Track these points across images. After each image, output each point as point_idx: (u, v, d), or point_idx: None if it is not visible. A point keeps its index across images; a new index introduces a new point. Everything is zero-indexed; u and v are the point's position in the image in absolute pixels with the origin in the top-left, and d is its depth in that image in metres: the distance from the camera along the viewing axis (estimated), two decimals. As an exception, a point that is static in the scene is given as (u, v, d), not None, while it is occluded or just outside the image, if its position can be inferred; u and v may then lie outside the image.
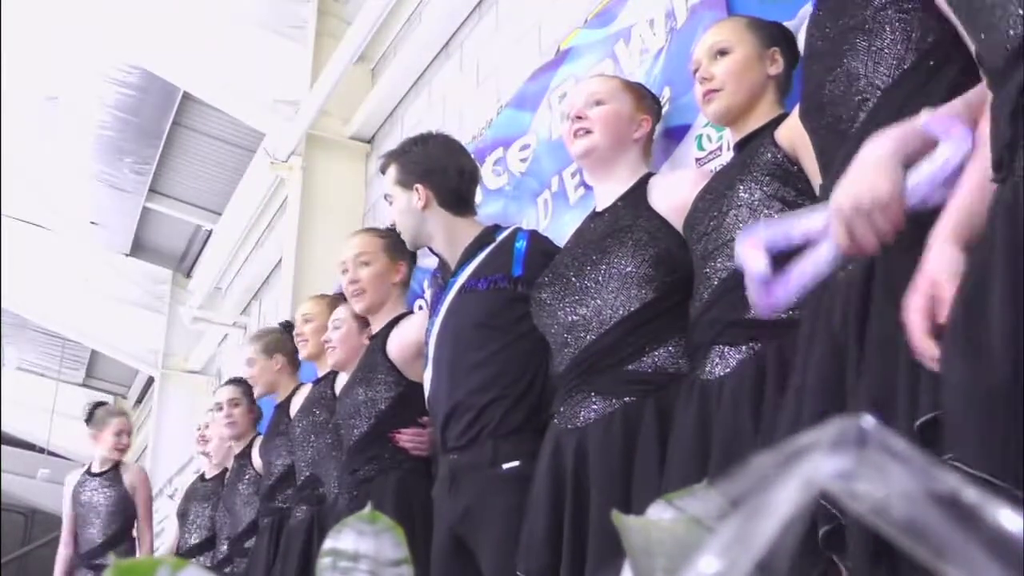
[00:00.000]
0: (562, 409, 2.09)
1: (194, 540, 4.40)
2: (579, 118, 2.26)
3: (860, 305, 1.40)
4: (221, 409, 4.21)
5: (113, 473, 4.91)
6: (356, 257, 2.94)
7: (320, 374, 3.51)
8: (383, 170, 2.72)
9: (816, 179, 1.78)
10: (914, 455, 0.35)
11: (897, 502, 0.35)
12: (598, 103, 2.26)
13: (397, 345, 2.82)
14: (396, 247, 2.97)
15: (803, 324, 1.59)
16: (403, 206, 2.62)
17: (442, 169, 2.63)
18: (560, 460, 2.04)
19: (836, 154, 1.55)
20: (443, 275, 2.73)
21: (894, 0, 1.49)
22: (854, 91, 1.51)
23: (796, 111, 1.88)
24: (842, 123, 1.54)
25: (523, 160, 3.17)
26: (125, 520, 4.83)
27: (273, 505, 3.64)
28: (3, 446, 10.86)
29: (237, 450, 4.22)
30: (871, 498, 0.35)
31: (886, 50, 1.49)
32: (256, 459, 4.00)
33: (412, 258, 3.11)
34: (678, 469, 1.76)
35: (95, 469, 4.98)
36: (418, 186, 2.60)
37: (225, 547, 4.15)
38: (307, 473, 3.32)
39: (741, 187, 1.85)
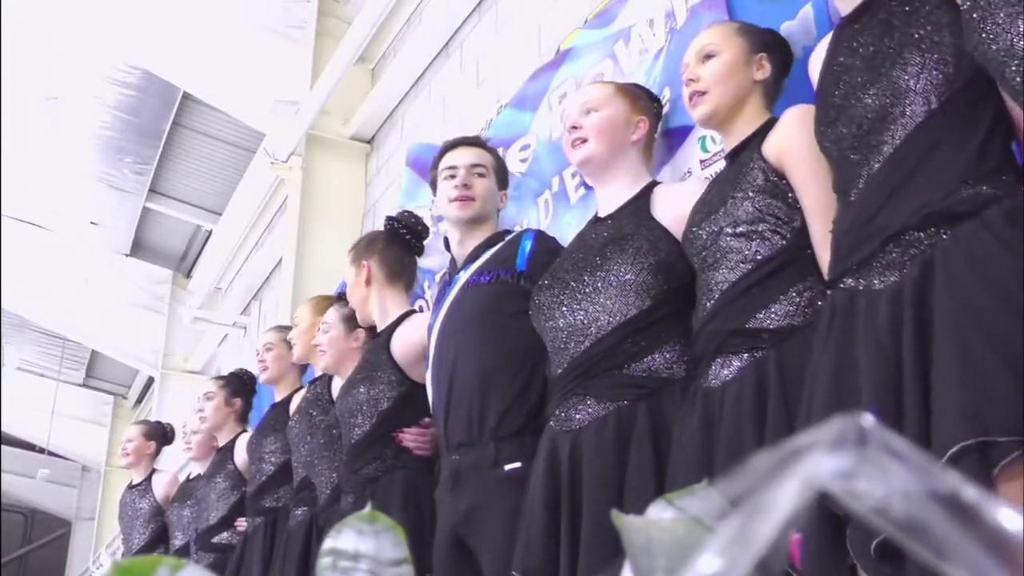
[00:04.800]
0: (558, 412, 2.10)
1: (179, 541, 4.39)
2: (575, 128, 2.29)
3: (917, 312, 1.42)
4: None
5: (146, 484, 4.92)
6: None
7: (317, 374, 3.51)
8: (480, 145, 2.80)
9: (805, 192, 1.81)
10: (914, 454, 0.35)
11: (897, 501, 0.35)
12: (591, 111, 2.29)
13: (401, 344, 2.82)
14: (359, 254, 3.04)
15: (820, 327, 1.62)
16: (495, 191, 2.73)
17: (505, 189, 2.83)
18: (555, 462, 2.05)
19: (864, 163, 1.57)
20: (450, 272, 2.74)
21: (951, 23, 1.52)
22: (898, 104, 1.55)
23: (786, 120, 1.90)
24: (874, 136, 1.57)
25: (523, 160, 3.17)
26: (161, 527, 4.81)
27: (263, 504, 3.62)
28: (3, 446, 10.88)
29: (220, 444, 4.20)
30: (871, 497, 0.35)
31: (938, 71, 1.52)
32: (239, 455, 3.98)
33: (394, 241, 3.08)
34: (683, 474, 1.77)
35: (133, 481, 5.00)
36: (504, 193, 2.78)
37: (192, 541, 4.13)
38: (303, 474, 3.31)
39: (731, 202, 1.87)
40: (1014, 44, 1.38)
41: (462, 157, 2.70)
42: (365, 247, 3.05)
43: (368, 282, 2.98)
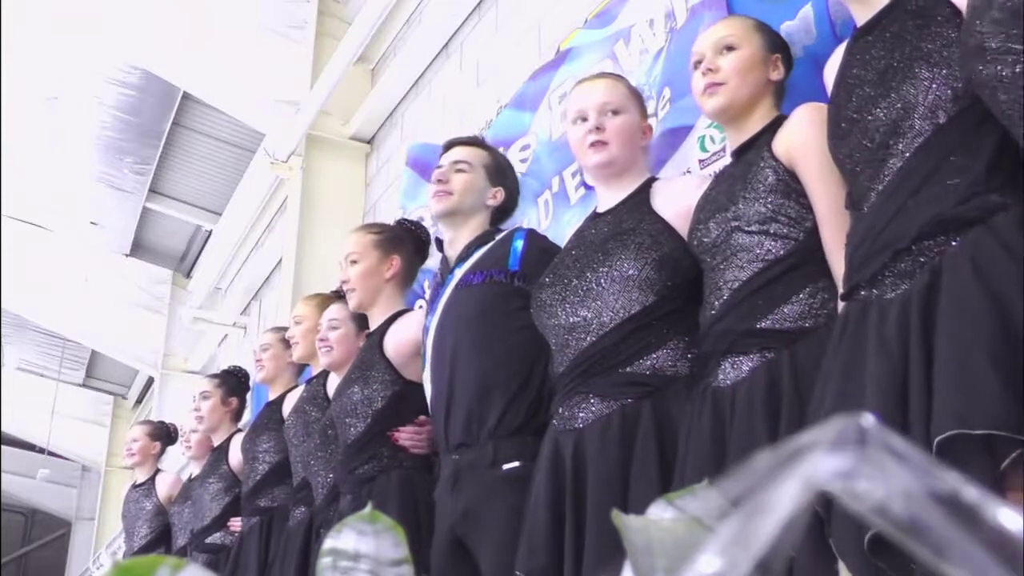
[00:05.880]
0: (561, 411, 2.09)
1: (181, 541, 4.39)
2: (598, 129, 2.22)
3: (923, 318, 1.43)
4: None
5: (149, 484, 4.91)
6: (347, 256, 2.95)
7: (315, 373, 3.50)
8: (472, 144, 2.76)
9: (816, 195, 1.81)
10: (915, 454, 0.35)
11: (898, 501, 0.35)
12: (614, 112, 2.24)
13: (394, 343, 2.81)
14: (390, 242, 2.97)
15: (835, 332, 1.62)
16: (479, 186, 2.67)
17: (512, 193, 2.74)
18: (559, 462, 2.04)
19: (875, 177, 1.58)
20: (442, 272, 2.73)
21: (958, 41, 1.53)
22: (907, 118, 1.55)
23: (797, 117, 1.90)
24: (883, 149, 1.57)
25: (523, 160, 3.17)
26: (163, 528, 4.80)
27: (259, 504, 3.61)
28: (3, 446, 10.87)
29: (215, 443, 4.20)
30: (871, 497, 0.35)
31: (947, 86, 1.53)
32: (234, 456, 3.97)
33: (418, 249, 3.09)
34: (692, 474, 1.76)
35: (137, 481, 4.98)
36: (498, 189, 2.68)
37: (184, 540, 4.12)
38: (302, 474, 3.31)
39: (742, 203, 1.86)
40: (1007, 70, 1.38)
41: (448, 155, 2.71)
42: (396, 241, 3.01)
43: (392, 276, 2.97)
